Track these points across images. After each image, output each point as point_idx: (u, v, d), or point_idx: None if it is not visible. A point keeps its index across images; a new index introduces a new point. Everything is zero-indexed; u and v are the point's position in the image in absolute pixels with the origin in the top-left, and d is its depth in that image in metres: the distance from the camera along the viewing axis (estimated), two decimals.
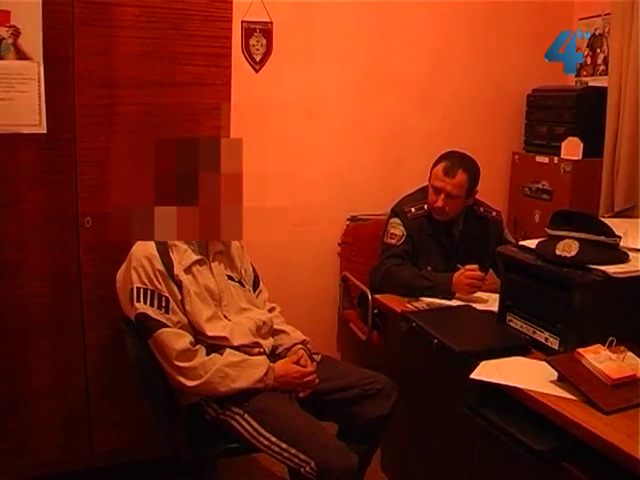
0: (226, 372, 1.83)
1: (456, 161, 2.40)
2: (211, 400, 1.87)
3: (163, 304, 1.82)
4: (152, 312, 1.81)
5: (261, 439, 1.79)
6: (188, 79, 2.15)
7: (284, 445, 1.76)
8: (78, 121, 2.04)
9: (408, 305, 2.19)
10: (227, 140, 2.15)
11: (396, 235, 2.47)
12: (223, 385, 1.82)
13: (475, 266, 2.25)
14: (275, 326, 2.07)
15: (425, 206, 2.48)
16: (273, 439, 1.77)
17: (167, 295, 1.82)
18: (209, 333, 1.86)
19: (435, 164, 2.45)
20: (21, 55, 1.93)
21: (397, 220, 2.50)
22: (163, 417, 1.94)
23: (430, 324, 1.93)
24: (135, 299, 1.81)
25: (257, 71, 2.81)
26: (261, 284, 2.18)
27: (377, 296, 2.36)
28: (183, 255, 1.89)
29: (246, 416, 1.82)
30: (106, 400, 2.22)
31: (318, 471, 1.71)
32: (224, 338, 1.88)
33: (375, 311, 2.58)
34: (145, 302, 1.81)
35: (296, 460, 1.74)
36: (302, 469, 1.73)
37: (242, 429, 1.82)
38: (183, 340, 1.81)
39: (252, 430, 1.81)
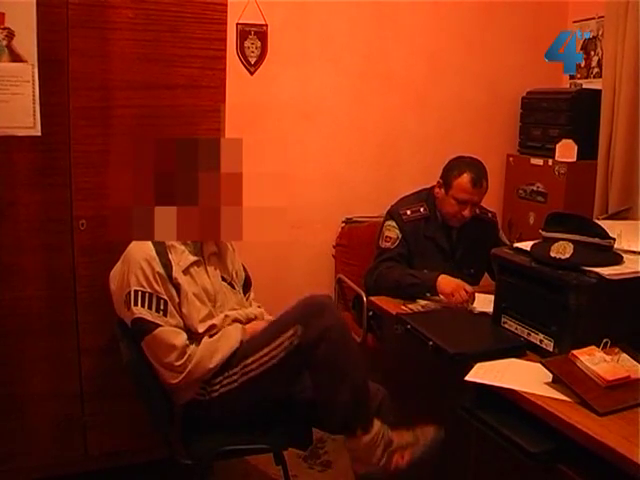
0: (210, 348, 1.84)
1: (477, 170, 2.38)
2: (205, 389, 1.86)
3: (162, 307, 1.81)
4: (150, 315, 1.79)
5: (265, 359, 1.80)
6: (183, 81, 2.15)
7: (277, 341, 1.78)
8: (73, 123, 2.03)
9: (403, 307, 2.19)
10: (227, 140, 2.15)
11: (391, 238, 2.46)
12: (213, 361, 1.83)
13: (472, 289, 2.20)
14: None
15: (422, 209, 2.48)
16: (266, 349, 1.80)
17: (165, 298, 1.81)
18: (200, 330, 1.86)
19: (455, 176, 2.37)
20: (15, 57, 1.92)
21: (392, 223, 2.49)
22: (158, 419, 1.94)
23: (425, 326, 1.93)
24: (132, 302, 1.79)
25: (252, 73, 2.81)
26: (251, 289, 2.18)
27: (372, 298, 2.35)
28: (181, 256, 1.88)
29: (240, 367, 1.83)
30: (101, 403, 2.21)
31: (315, 329, 1.75)
32: (213, 326, 1.88)
33: (370, 313, 2.57)
34: (143, 305, 1.79)
35: (291, 337, 1.76)
36: (300, 341, 1.76)
37: (247, 374, 1.82)
38: (181, 337, 1.81)
39: (251, 364, 1.82)
